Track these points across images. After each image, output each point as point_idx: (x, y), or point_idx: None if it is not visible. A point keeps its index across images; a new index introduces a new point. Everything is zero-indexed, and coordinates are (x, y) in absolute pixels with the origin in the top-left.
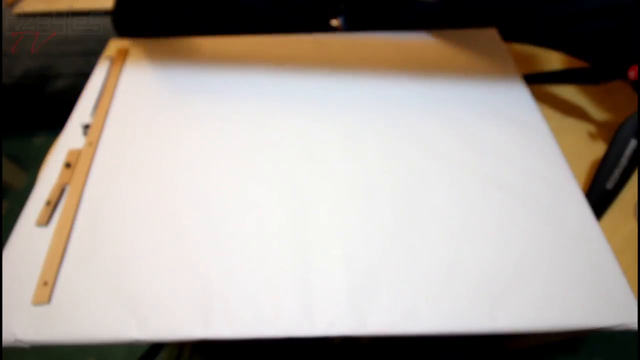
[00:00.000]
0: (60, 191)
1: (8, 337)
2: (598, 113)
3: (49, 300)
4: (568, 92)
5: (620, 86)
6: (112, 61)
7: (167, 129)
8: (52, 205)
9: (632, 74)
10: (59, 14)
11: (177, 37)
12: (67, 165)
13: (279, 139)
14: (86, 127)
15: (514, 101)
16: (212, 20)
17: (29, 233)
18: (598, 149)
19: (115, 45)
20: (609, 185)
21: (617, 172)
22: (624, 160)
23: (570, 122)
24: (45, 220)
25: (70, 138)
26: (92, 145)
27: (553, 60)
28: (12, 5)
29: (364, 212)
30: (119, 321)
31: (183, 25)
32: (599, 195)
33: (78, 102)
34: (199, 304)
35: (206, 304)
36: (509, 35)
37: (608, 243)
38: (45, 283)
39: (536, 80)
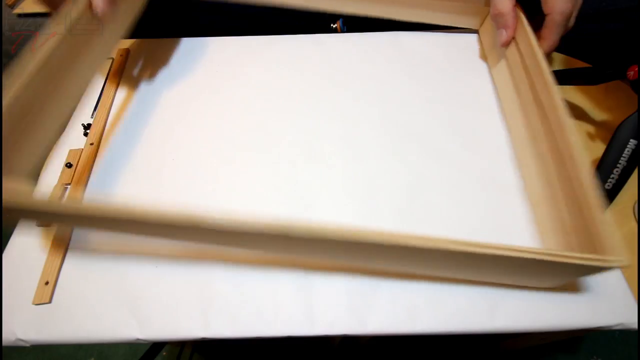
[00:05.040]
0: (62, 191)
1: (9, 337)
2: (597, 113)
3: (50, 299)
4: (567, 92)
5: (620, 86)
6: (113, 61)
7: (167, 128)
8: None
9: (631, 74)
10: None
11: (177, 38)
12: (68, 165)
13: (278, 138)
14: (87, 127)
15: None
16: (214, 23)
17: (30, 232)
18: (597, 149)
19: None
20: (608, 185)
21: (616, 173)
22: (622, 161)
23: None
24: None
25: (71, 138)
26: (94, 145)
27: (553, 60)
28: (12, 5)
29: (363, 211)
30: (120, 321)
31: (185, 28)
32: None
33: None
34: (199, 304)
35: (206, 303)
36: None
37: None
38: (47, 283)
39: None
